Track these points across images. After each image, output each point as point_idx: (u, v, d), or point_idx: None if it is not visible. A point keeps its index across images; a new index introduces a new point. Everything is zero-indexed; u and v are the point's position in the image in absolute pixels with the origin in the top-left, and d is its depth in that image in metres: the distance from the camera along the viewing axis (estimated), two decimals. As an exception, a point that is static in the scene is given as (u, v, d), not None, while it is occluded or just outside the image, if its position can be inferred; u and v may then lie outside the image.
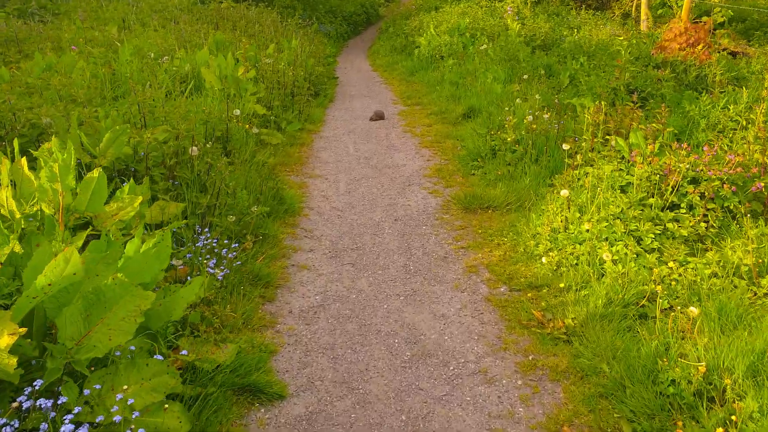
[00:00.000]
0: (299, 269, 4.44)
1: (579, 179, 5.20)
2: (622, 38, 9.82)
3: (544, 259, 4.40)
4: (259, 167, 6.16)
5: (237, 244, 4.17)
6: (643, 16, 15.76)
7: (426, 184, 6.31)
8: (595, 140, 5.60)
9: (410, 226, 5.22)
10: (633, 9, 17.87)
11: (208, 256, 3.77)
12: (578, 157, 5.24)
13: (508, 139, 6.26)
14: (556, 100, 7.72)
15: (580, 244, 4.41)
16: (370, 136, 8.40)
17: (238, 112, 6.23)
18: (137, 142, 3.82)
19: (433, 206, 5.66)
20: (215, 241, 3.94)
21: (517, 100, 8.05)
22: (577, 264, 4.26)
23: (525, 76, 9.56)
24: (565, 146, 5.27)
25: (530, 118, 6.84)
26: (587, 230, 4.43)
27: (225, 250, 3.97)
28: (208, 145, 4.48)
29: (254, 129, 6.37)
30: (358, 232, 5.13)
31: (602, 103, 5.90)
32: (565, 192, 4.55)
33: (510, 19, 15.12)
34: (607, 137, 5.75)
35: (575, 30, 16.40)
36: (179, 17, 9.64)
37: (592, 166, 5.41)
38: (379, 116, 9.35)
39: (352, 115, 9.70)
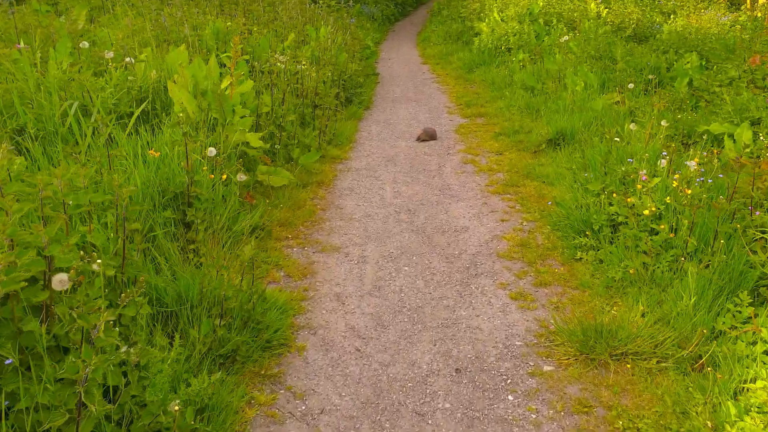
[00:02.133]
0: None
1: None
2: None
3: None
4: (236, 241, 3.94)
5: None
6: (761, -1, 12.71)
7: (504, 274, 3.94)
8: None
9: (484, 392, 2.88)
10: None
11: None
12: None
13: (644, 212, 3.80)
14: (699, 131, 5.18)
15: None
16: (417, 168, 6.04)
17: (213, 151, 3.99)
18: None
19: (522, 336, 3.29)
20: None
21: (632, 125, 5.53)
22: None
23: (630, 85, 6.97)
24: (781, 254, 2.82)
25: (663, 163, 4.37)
26: None
27: None
28: (96, 266, 2.25)
29: (240, 176, 4.13)
30: (387, 403, 2.83)
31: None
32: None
33: (593, 3, 12.35)
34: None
35: (670, 15, 13.49)
36: (174, -2, 7.49)
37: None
38: (429, 135, 6.97)
39: (393, 132, 7.34)
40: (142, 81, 4.72)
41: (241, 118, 4.72)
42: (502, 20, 12.05)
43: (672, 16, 13.14)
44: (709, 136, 5.62)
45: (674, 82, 7.52)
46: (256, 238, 4.30)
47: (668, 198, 3.84)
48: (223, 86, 4.64)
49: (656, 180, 3.90)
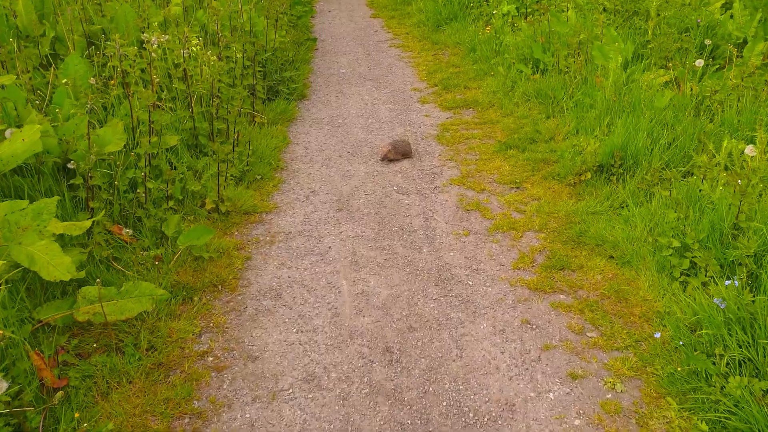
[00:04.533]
0: None
1: None
2: None
3: None
4: None
5: None
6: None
7: None
8: None
9: None
10: None
11: None
12: None
13: None
14: None
15: None
16: (390, 225, 3.60)
17: None
18: None
19: None
20: None
21: (748, 148, 3.24)
22: None
23: (699, 62, 4.60)
24: None
25: None
26: None
27: None
28: None
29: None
30: None
31: None
32: None
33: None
34: None
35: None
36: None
37: None
38: (401, 152, 4.49)
39: (343, 143, 4.80)
40: None
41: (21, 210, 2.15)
42: (470, -43, 9.36)
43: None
44: None
45: (730, 44, 5.22)
46: None
47: None
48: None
49: None
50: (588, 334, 2.66)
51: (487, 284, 3.04)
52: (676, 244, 2.81)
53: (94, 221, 2.83)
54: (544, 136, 4.56)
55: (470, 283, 3.06)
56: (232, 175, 3.97)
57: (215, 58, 4.53)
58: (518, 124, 4.88)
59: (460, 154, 4.52)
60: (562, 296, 2.92)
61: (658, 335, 2.50)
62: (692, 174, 3.49)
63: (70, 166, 3.10)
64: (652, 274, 2.89)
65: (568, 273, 3.08)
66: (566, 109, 4.80)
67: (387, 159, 4.45)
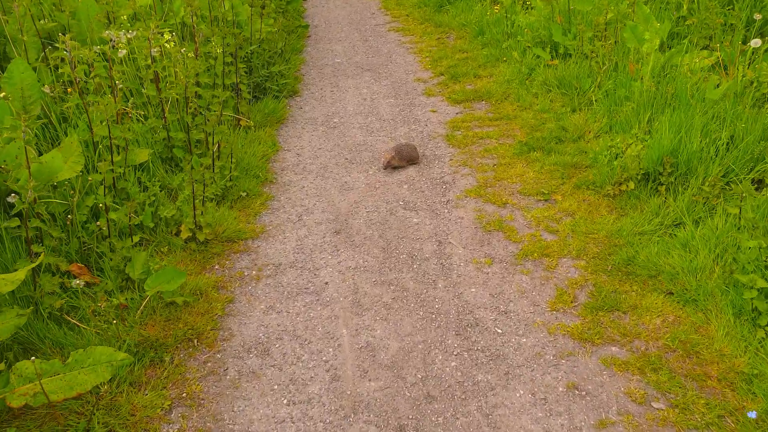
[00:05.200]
0: None
1: None
2: None
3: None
4: None
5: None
6: None
7: None
8: None
9: None
10: None
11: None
12: None
13: None
14: None
15: None
16: (396, 251, 3.04)
17: None
18: None
19: None
20: None
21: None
22: None
23: (755, 42, 3.97)
24: None
25: None
26: None
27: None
28: None
29: None
30: None
31: None
32: None
33: None
34: None
35: None
36: None
37: None
38: (406, 158, 3.91)
39: (340, 147, 4.22)
40: None
41: None
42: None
43: None
44: None
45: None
46: None
47: None
48: None
49: None
50: (653, 404, 2.12)
51: (520, 332, 2.49)
52: (762, 284, 2.25)
53: (38, 266, 2.29)
54: (572, 134, 3.97)
55: (499, 330, 2.51)
56: (214, 194, 3.41)
57: (192, 55, 3.95)
58: (539, 119, 4.29)
59: (475, 158, 3.94)
60: (614, 348, 2.37)
61: (753, 414, 1.95)
62: (763, 182, 2.93)
63: (10, 200, 2.55)
64: (728, 318, 2.35)
65: (619, 316, 2.53)
66: (595, 101, 4.21)
67: (390, 166, 3.88)
